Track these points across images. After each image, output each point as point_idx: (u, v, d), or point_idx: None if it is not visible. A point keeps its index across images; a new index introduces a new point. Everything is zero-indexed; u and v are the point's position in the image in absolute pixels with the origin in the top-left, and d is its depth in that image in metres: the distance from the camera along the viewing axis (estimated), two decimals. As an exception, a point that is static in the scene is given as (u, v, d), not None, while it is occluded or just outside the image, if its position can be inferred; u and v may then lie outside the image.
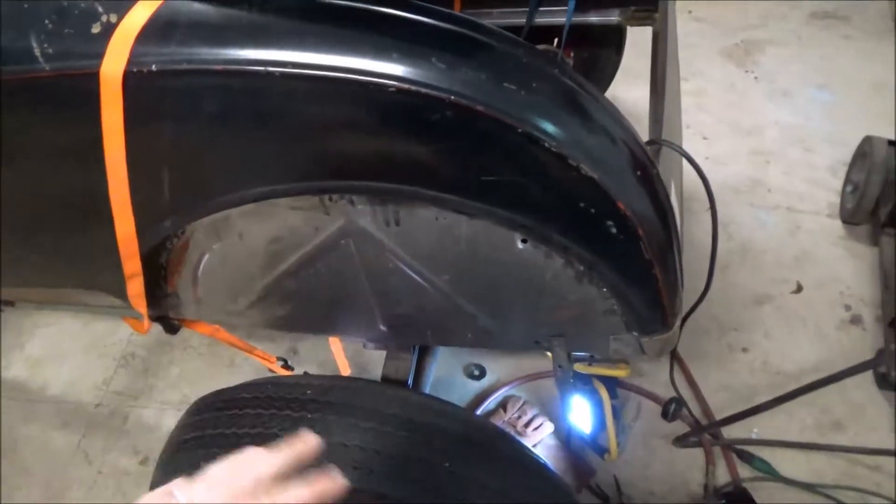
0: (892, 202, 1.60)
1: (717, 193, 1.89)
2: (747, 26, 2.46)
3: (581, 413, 1.27)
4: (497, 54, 0.68)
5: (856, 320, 1.58)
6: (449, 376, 1.49)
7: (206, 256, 0.91)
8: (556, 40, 1.58)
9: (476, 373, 1.50)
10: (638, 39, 1.63)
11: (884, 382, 1.43)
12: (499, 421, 1.39)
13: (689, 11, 2.53)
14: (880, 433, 1.40)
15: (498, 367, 1.52)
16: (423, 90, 0.63)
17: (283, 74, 0.62)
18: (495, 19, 1.56)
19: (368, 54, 0.63)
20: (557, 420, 1.37)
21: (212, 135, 0.67)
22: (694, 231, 1.76)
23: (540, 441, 1.35)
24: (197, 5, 0.63)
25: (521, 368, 1.51)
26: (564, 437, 1.37)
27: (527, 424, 1.38)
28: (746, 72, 2.29)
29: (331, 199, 0.79)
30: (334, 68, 0.63)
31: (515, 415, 1.40)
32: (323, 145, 0.68)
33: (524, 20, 1.23)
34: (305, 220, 0.83)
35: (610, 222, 0.72)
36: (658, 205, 0.76)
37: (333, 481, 0.53)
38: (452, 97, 0.63)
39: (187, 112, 0.64)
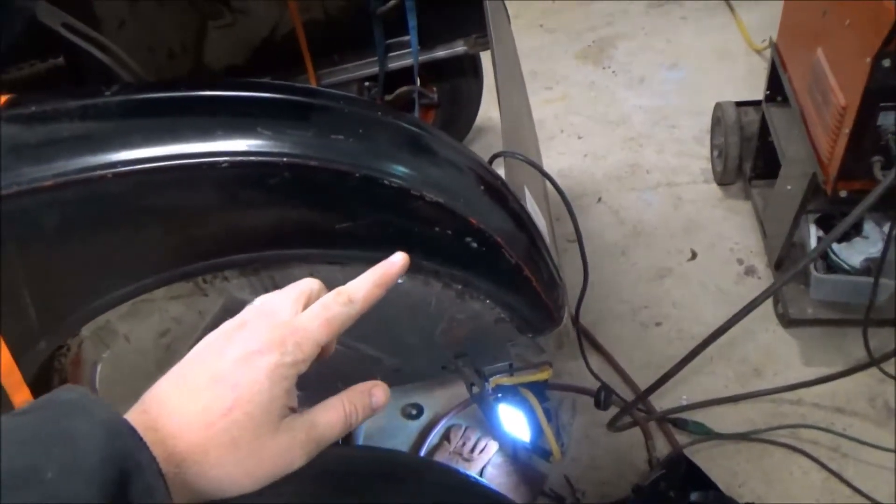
0: (752, 157, 1.74)
1: (601, 184, 2.01)
2: (595, 27, 2.62)
3: (517, 424, 1.29)
4: (320, 111, 0.71)
5: (750, 271, 1.69)
6: (388, 422, 1.49)
7: (99, 366, 0.90)
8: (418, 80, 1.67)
9: (413, 412, 1.51)
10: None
11: (785, 321, 1.53)
12: (444, 453, 1.40)
13: (541, 25, 2.68)
14: (794, 368, 1.49)
15: (434, 401, 1.54)
16: (255, 158, 0.65)
17: (115, 174, 0.64)
18: (352, 73, 1.62)
19: (195, 138, 0.65)
20: (501, 437, 1.39)
21: (59, 249, 0.67)
22: (589, 223, 1.85)
23: (488, 461, 1.37)
24: (11, 128, 0.64)
25: (456, 396, 1.53)
26: (511, 452, 1.39)
27: (472, 449, 1.39)
28: (604, 68, 2.43)
29: (205, 281, 0.80)
30: (165, 157, 0.65)
31: (460, 443, 1.42)
32: (174, 233, 0.69)
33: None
34: (187, 306, 0.83)
35: (468, 238, 0.76)
36: (511, 212, 0.81)
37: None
38: (285, 159, 0.66)
39: (27, 232, 0.65)
